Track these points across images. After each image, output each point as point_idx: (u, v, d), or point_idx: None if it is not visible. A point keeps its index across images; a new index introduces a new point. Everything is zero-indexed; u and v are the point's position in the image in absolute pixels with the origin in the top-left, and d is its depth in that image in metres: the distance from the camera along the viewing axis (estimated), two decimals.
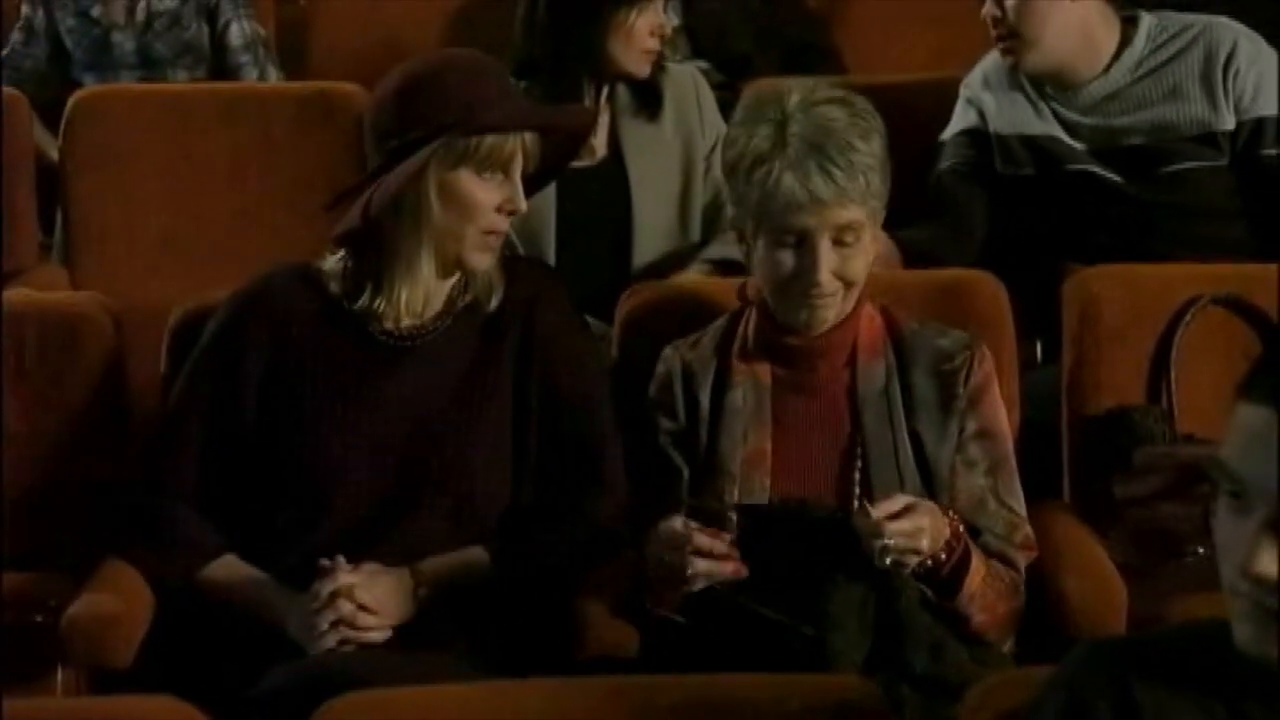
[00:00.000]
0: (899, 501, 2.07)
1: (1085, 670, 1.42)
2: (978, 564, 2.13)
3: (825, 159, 2.14)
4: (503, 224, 2.25)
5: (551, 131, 2.30)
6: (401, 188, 2.19)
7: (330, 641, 2.11)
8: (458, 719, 1.62)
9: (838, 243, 2.18)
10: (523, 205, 2.25)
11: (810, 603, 2.02)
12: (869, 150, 2.18)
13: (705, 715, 1.62)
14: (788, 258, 2.19)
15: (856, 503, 2.12)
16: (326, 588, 2.12)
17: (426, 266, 2.25)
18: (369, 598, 2.12)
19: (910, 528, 2.04)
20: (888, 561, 2.03)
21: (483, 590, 2.21)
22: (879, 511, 2.03)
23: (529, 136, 2.24)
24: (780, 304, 2.24)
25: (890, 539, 2.02)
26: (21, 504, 2.44)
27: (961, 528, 2.13)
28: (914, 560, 2.06)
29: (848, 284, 2.21)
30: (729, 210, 2.90)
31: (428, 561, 2.20)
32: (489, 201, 2.22)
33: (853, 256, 2.19)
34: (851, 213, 2.17)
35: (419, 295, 2.26)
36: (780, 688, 1.64)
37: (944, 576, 2.10)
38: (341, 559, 2.15)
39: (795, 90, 2.21)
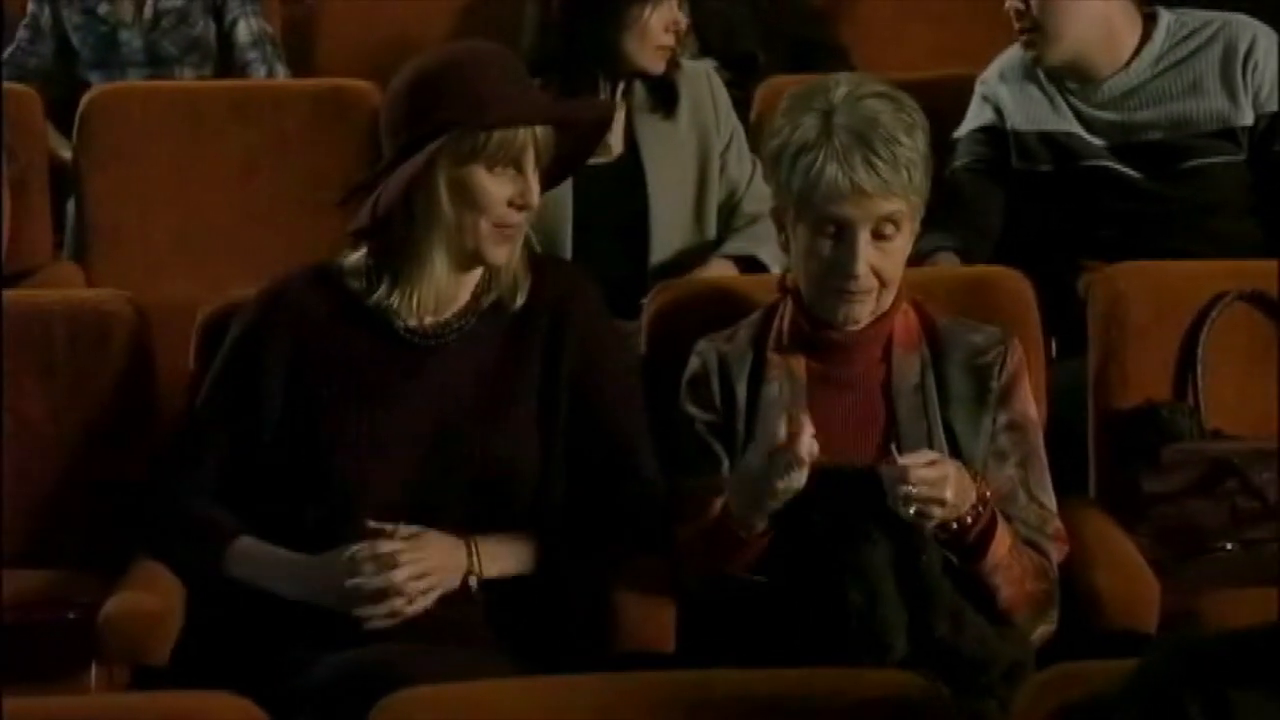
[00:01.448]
0: (924, 455, 2.08)
1: (1174, 671, 1.41)
2: (1004, 532, 2.14)
3: (870, 150, 2.16)
4: (514, 217, 2.24)
5: (566, 125, 2.29)
6: (409, 184, 2.19)
7: (377, 608, 2.11)
8: (514, 714, 1.62)
9: (877, 235, 2.19)
10: (535, 200, 2.24)
11: (844, 566, 2.03)
12: (913, 144, 2.19)
13: (761, 710, 1.63)
14: (826, 248, 2.20)
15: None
16: (374, 555, 2.11)
17: (440, 262, 2.24)
18: (414, 561, 2.12)
19: (934, 476, 2.05)
20: (911, 511, 2.03)
21: (521, 581, 2.21)
22: (905, 460, 2.04)
23: (541, 130, 2.24)
24: (816, 297, 2.25)
25: (914, 486, 2.03)
26: (49, 502, 2.44)
27: (988, 493, 2.13)
28: (938, 512, 2.06)
29: (883, 282, 2.22)
30: (752, 199, 2.95)
31: (482, 541, 2.19)
32: (500, 196, 2.22)
33: (891, 252, 2.21)
34: (893, 205, 2.19)
35: (432, 291, 2.26)
36: (836, 681, 1.64)
37: (970, 542, 2.11)
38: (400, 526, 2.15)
39: (842, 83, 2.23)
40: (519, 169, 2.22)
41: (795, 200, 2.21)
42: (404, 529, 2.16)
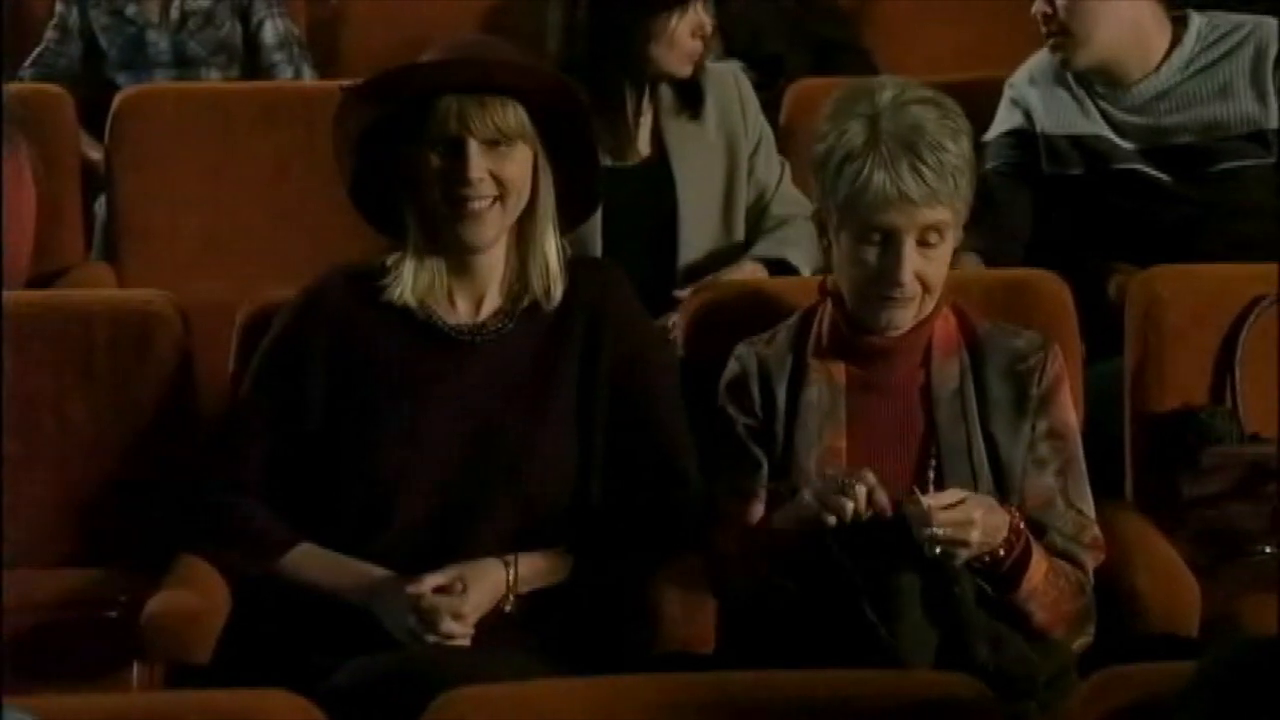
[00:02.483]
0: (952, 495, 2.08)
1: (1238, 672, 1.41)
2: (1039, 560, 2.14)
3: (917, 158, 2.16)
4: (465, 193, 2.22)
5: (464, 79, 2.23)
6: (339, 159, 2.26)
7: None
8: (567, 714, 1.62)
9: (922, 243, 2.19)
10: (471, 174, 2.21)
11: (870, 591, 2.03)
12: (958, 151, 2.20)
13: (807, 711, 1.63)
14: (872, 255, 2.20)
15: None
16: (444, 624, 2.14)
17: (429, 249, 2.26)
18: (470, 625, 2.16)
19: (960, 518, 2.05)
20: (936, 551, 2.04)
21: (561, 587, 2.22)
22: (930, 500, 2.05)
23: (475, 106, 2.20)
24: (858, 303, 2.25)
25: (939, 529, 2.03)
26: (91, 501, 2.45)
27: (1022, 524, 2.14)
28: (963, 553, 2.07)
29: (927, 288, 2.22)
30: (781, 201, 2.96)
31: (521, 560, 2.21)
32: (440, 171, 2.22)
33: (935, 259, 2.21)
34: (939, 213, 2.19)
35: (427, 279, 2.27)
36: (882, 683, 1.64)
37: (1004, 572, 2.12)
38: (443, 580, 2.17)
39: (887, 87, 2.23)
40: (454, 144, 2.21)
41: (840, 207, 2.21)
42: (455, 581, 2.16)
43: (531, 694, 1.67)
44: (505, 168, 2.23)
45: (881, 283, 2.20)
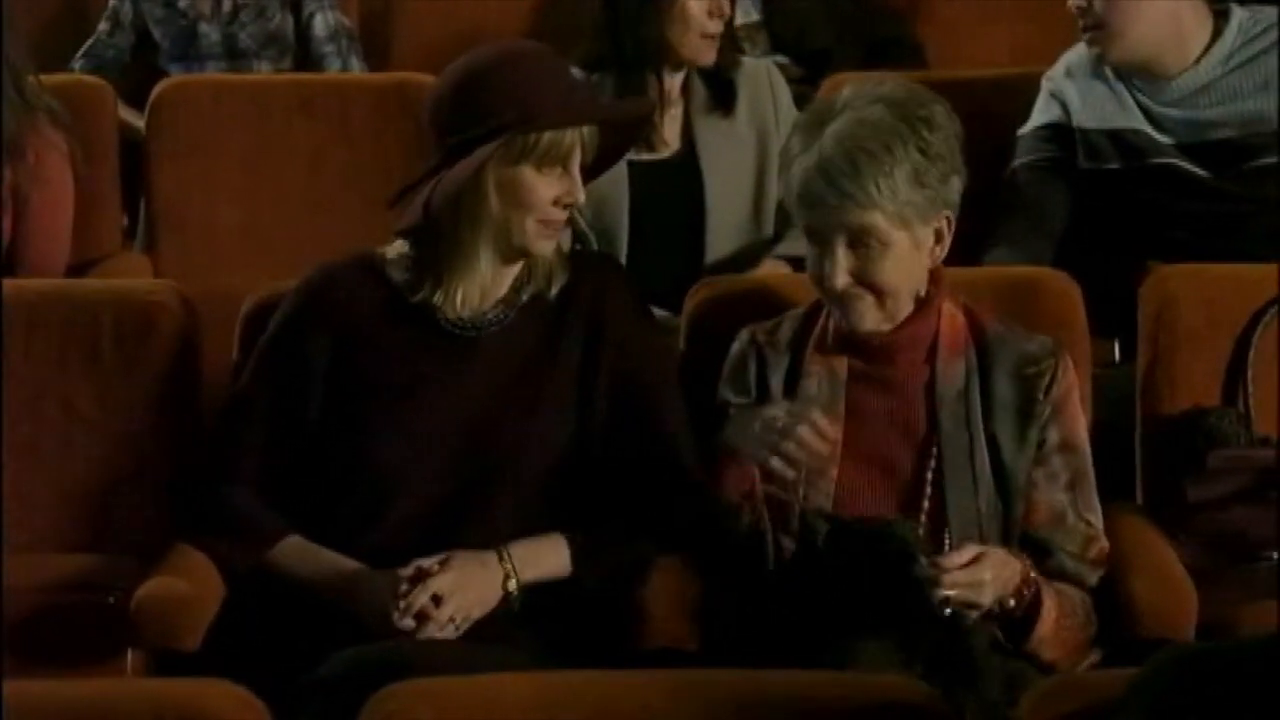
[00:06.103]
0: (968, 553, 2.05)
1: (1172, 681, 1.38)
2: (1050, 607, 2.11)
3: (846, 161, 2.12)
4: (560, 215, 2.26)
5: (611, 124, 2.30)
6: (461, 185, 2.20)
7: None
8: (514, 709, 1.62)
9: (858, 245, 2.15)
10: (581, 197, 2.25)
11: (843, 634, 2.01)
12: (903, 155, 2.12)
13: (768, 711, 1.62)
14: (813, 255, 2.19)
15: (922, 537, 2.08)
16: (419, 598, 2.13)
17: (485, 260, 2.26)
18: (454, 608, 2.15)
19: (972, 579, 2.03)
20: (946, 612, 2.02)
21: (557, 582, 2.21)
22: (944, 561, 2.02)
23: (588, 129, 2.25)
24: (825, 301, 2.23)
25: (952, 590, 2.02)
26: (93, 488, 2.47)
27: (1033, 573, 2.11)
28: (974, 614, 2.05)
29: (878, 291, 2.18)
30: None
31: (514, 546, 2.20)
32: (547, 195, 2.23)
33: (875, 260, 2.15)
34: (868, 217, 2.13)
35: (476, 289, 2.27)
36: (842, 686, 1.63)
37: (1015, 620, 2.10)
38: (430, 562, 2.16)
39: (857, 88, 2.19)
40: (565, 168, 2.24)
41: (790, 207, 2.22)
42: (437, 571, 2.16)
43: (478, 687, 1.66)
44: (581, 186, 2.27)
45: (820, 284, 2.19)
